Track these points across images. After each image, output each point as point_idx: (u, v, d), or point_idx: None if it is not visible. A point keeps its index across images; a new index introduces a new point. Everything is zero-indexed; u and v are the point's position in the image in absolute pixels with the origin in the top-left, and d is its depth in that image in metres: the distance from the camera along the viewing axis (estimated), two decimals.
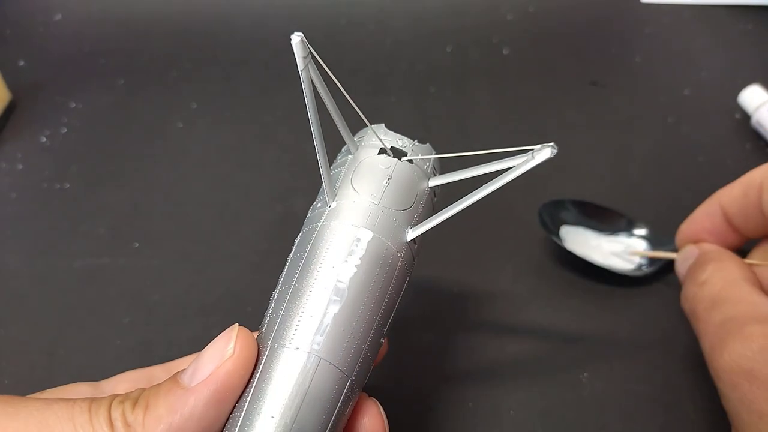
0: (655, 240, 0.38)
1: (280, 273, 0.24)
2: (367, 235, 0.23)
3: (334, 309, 0.22)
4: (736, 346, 0.25)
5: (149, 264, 0.39)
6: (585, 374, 0.33)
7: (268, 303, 0.23)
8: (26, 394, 0.23)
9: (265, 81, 0.52)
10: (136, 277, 0.39)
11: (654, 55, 0.53)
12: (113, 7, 0.59)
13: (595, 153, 0.45)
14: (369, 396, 0.24)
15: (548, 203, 0.39)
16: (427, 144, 0.27)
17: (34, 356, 0.35)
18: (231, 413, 0.21)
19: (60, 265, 0.39)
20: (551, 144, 0.21)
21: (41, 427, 0.20)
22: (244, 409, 0.20)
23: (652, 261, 0.37)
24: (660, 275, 0.37)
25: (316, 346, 0.21)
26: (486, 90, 0.51)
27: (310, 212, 0.25)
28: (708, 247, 0.32)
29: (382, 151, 0.26)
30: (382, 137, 0.26)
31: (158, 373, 0.28)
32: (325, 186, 0.24)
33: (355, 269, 0.22)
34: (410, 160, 0.25)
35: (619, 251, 0.38)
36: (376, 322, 0.23)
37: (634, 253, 0.37)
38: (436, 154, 0.27)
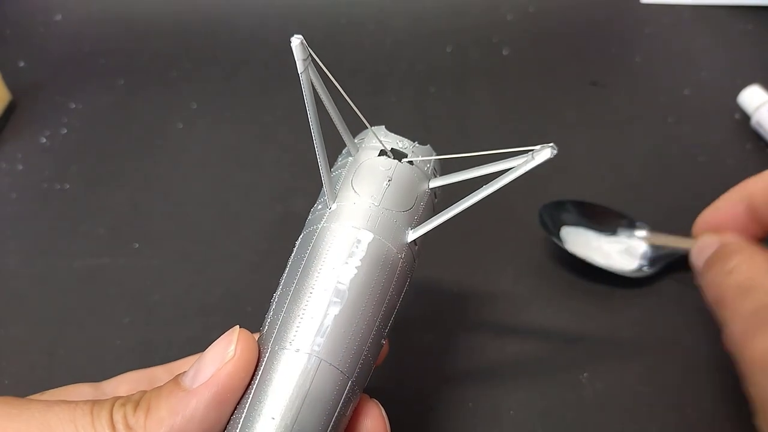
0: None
1: (281, 274, 0.24)
2: (367, 237, 0.23)
3: (335, 310, 0.22)
4: None
5: (149, 264, 0.39)
6: (585, 374, 0.33)
7: (269, 305, 0.23)
8: (26, 395, 0.23)
9: (265, 81, 0.52)
10: (136, 277, 0.39)
11: (654, 55, 0.53)
12: (113, 7, 0.59)
13: (595, 153, 0.45)
14: (370, 397, 0.24)
15: (548, 204, 0.39)
16: (428, 145, 0.27)
17: (34, 356, 0.35)
18: (232, 415, 0.21)
19: (60, 265, 0.39)
20: (551, 144, 0.21)
21: (43, 429, 0.20)
22: (245, 410, 0.21)
23: (652, 262, 0.37)
24: (660, 276, 0.37)
25: (316, 348, 0.21)
26: (486, 90, 0.51)
27: (310, 214, 0.25)
28: (731, 237, 0.31)
29: (382, 152, 0.26)
30: (382, 139, 0.26)
31: (160, 373, 0.28)
32: (325, 188, 0.24)
33: (355, 271, 0.22)
34: (410, 162, 0.25)
35: (620, 251, 0.38)
36: (377, 324, 0.23)
37: (651, 241, 0.37)
38: (437, 155, 0.27)
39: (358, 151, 0.26)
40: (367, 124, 0.26)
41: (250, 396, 0.21)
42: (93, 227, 0.41)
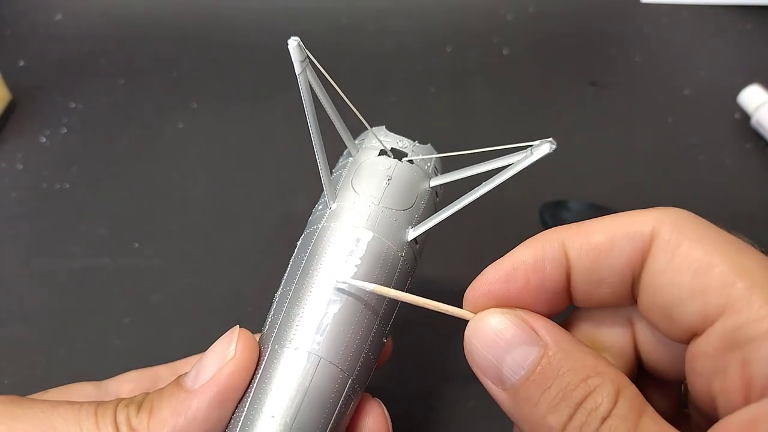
0: None
1: (281, 274, 0.24)
2: (366, 236, 0.23)
3: (334, 309, 0.22)
4: None
5: (149, 264, 0.39)
6: None
7: (270, 305, 0.23)
8: (26, 394, 0.23)
9: (265, 81, 0.52)
10: (137, 277, 0.39)
11: (654, 55, 0.53)
12: (113, 7, 0.59)
13: (595, 153, 0.45)
14: (372, 396, 0.24)
15: (549, 203, 0.39)
16: (428, 144, 0.27)
17: (34, 356, 0.35)
18: (233, 413, 0.21)
19: (60, 265, 0.39)
20: (549, 139, 0.21)
21: (47, 430, 0.20)
22: (245, 409, 0.21)
23: None
24: None
25: (315, 346, 0.21)
26: (486, 90, 0.50)
27: (312, 215, 0.25)
28: (535, 320, 0.21)
29: (382, 152, 0.26)
30: (382, 139, 0.26)
31: (162, 372, 0.28)
32: (325, 188, 0.24)
33: (354, 269, 0.22)
34: (410, 161, 0.25)
35: None
36: (378, 322, 0.23)
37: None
38: (437, 154, 0.27)
39: (358, 151, 0.26)
40: (367, 125, 0.26)
41: (251, 394, 0.21)
42: (93, 227, 0.41)
